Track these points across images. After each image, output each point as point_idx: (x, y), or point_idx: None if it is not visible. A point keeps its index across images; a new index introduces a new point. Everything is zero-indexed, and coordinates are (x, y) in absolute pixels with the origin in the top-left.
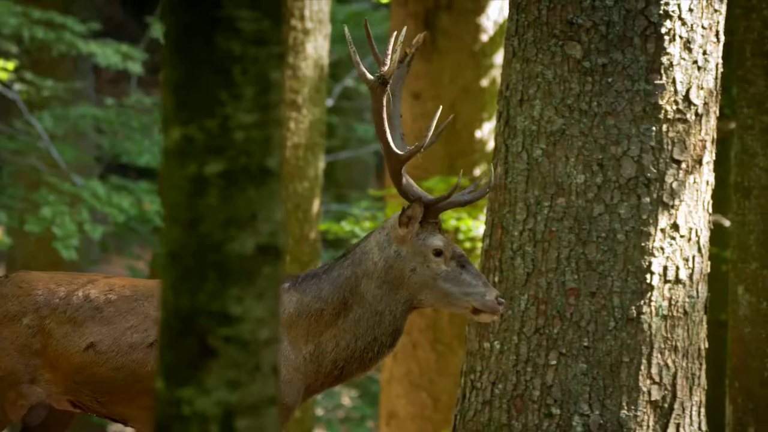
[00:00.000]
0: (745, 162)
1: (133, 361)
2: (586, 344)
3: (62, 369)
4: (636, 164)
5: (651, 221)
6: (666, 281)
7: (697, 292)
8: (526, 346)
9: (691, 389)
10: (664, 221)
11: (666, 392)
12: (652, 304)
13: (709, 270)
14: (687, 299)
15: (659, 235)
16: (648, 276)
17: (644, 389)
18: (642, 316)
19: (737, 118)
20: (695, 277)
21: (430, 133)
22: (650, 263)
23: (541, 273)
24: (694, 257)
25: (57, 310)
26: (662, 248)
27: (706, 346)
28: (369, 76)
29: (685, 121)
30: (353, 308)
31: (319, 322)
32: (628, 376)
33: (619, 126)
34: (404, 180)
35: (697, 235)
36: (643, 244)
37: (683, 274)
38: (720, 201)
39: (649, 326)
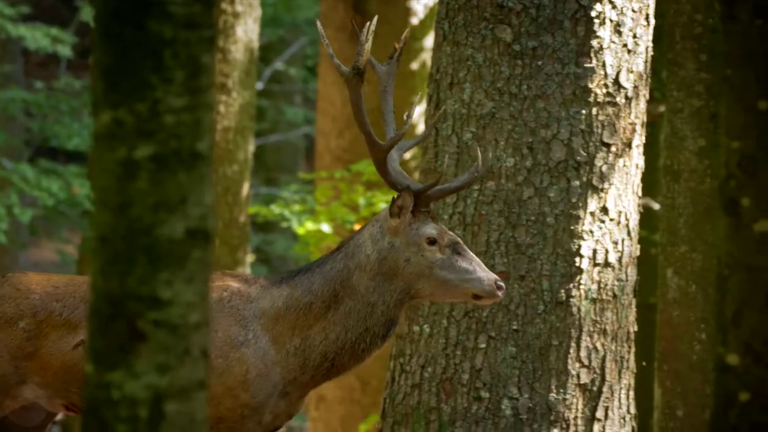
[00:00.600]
0: (674, 145)
1: None
2: (515, 328)
3: (53, 370)
4: (566, 147)
5: (580, 204)
6: (595, 264)
7: (626, 275)
8: (456, 330)
9: (620, 372)
10: (593, 204)
11: (595, 375)
12: (582, 287)
13: (638, 253)
14: (616, 282)
15: (589, 218)
16: (577, 259)
17: (573, 372)
18: (571, 300)
19: (667, 102)
20: (624, 260)
21: (407, 120)
22: (579, 246)
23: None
24: (623, 240)
25: (54, 314)
26: (591, 231)
27: (635, 329)
28: (344, 68)
29: (614, 104)
30: (344, 300)
31: (307, 315)
32: (557, 360)
33: (549, 109)
34: (390, 169)
35: (626, 218)
36: (572, 227)
37: (612, 258)
38: (649, 184)
39: (579, 309)
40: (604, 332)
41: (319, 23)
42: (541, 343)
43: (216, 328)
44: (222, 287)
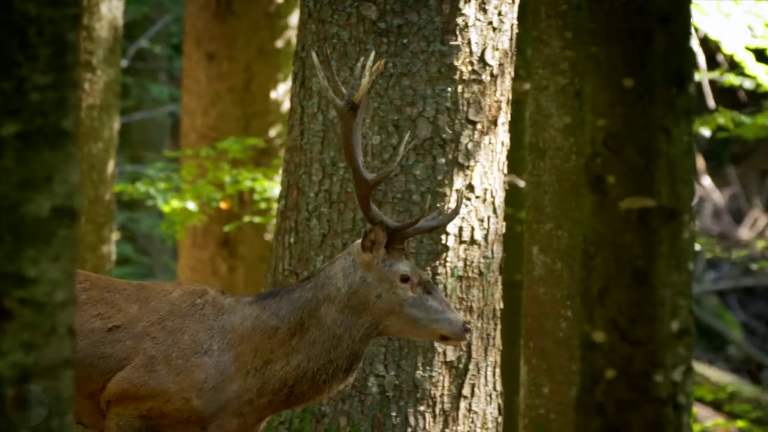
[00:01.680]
0: (539, 123)
1: (89, 344)
2: None
3: None
4: (431, 125)
5: (446, 182)
6: (461, 242)
7: (492, 252)
8: None
9: (486, 349)
10: (459, 182)
11: (461, 353)
12: (448, 264)
13: (504, 230)
14: (482, 260)
15: (454, 195)
16: (443, 237)
17: (439, 350)
18: (437, 277)
19: (532, 79)
20: (490, 237)
21: (399, 158)
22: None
23: (336, 234)
24: (489, 218)
25: None
26: (458, 210)
27: (501, 306)
28: (338, 102)
29: (480, 82)
30: (310, 330)
31: (272, 339)
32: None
33: (414, 87)
34: (372, 204)
35: (492, 195)
36: (438, 204)
37: (478, 235)
38: (515, 162)
39: (445, 287)
40: (471, 310)
41: (314, 54)
42: None
43: (183, 330)
44: (198, 293)
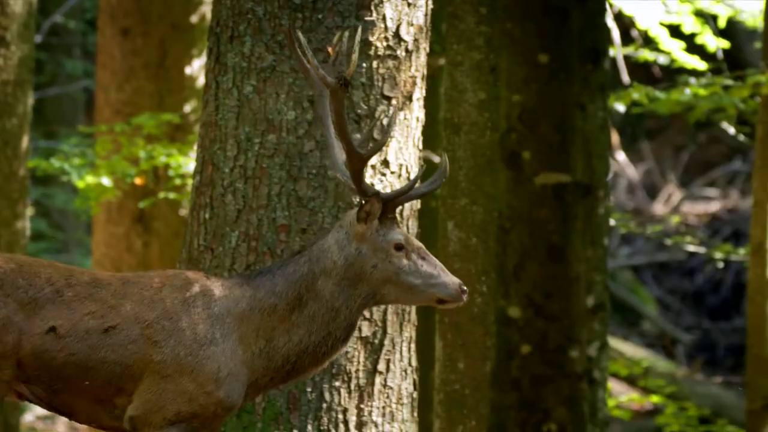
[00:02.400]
0: (454, 98)
1: (87, 346)
2: None
3: (24, 352)
4: (346, 100)
5: None
6: None
7: (408, 228)
8: None
9: (401, 325)
10: (374, 157)
11: (376, 328)
12: None
13: (419, 206)
14: None
15: (370, 171)
16: None
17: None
18: None
19: (447, 55)
20: (405, 213)
21: (389, 133)
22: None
23: (252, 209)
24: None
25: (20, 290)
26: (373, 185)
27: None
28: (329, 78)
29: (395, 57)
30: (308, 304)
31: (272, 317)
32: None
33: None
34: (364, 178)
35: (407, 171)
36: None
37: None
38: (430, 137)
39: None
40: None
41: (300, 34)
42: None
43: (183, 328)
44: (185, 286)
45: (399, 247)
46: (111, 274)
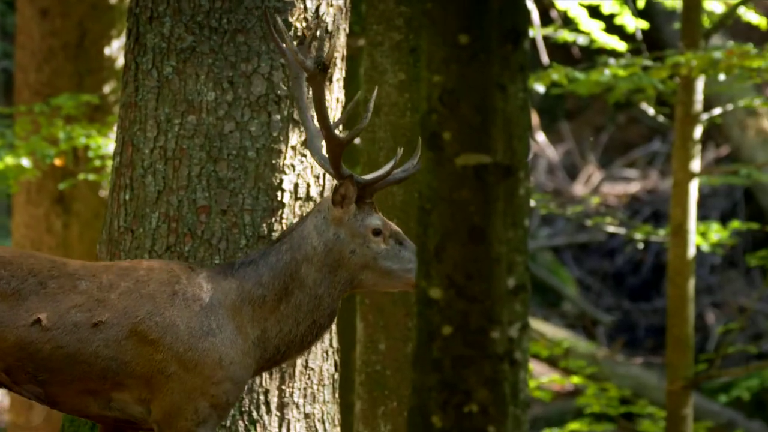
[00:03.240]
0: (374, 79)
1: (77, 340)
2: (217, 262)
3: (6, 344)
4: (266, 81)
5: (281, 139)
6: (297, 198)
7: None
8: None
9: None
10: (294, 138)
11: None
12: (283, 221)
13: None
14: None
15: (290, 152)
16: (279, 193)
17: None
18: (273, 234)
19: (367, 35)
20: (326, 194)
21: (369, 114)
22: (281, 181)
23: (172, 191)
24: (324, 175)
25: (2, 281)
26: (293, 166)
27: None
28: (308, 63)
29: (314, 38)
30: (294, 293)
31: (262, 308)
32: None
33: (249, 43)
34: (342, 162)
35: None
36: (273, 161)
37: (314, 192)
38: (350, 118)
39: None
40: None
41: (277, 17)
42: None
43: (176, 323)
44: (172, 280)
45: (377, 232)
46: (93, 264)
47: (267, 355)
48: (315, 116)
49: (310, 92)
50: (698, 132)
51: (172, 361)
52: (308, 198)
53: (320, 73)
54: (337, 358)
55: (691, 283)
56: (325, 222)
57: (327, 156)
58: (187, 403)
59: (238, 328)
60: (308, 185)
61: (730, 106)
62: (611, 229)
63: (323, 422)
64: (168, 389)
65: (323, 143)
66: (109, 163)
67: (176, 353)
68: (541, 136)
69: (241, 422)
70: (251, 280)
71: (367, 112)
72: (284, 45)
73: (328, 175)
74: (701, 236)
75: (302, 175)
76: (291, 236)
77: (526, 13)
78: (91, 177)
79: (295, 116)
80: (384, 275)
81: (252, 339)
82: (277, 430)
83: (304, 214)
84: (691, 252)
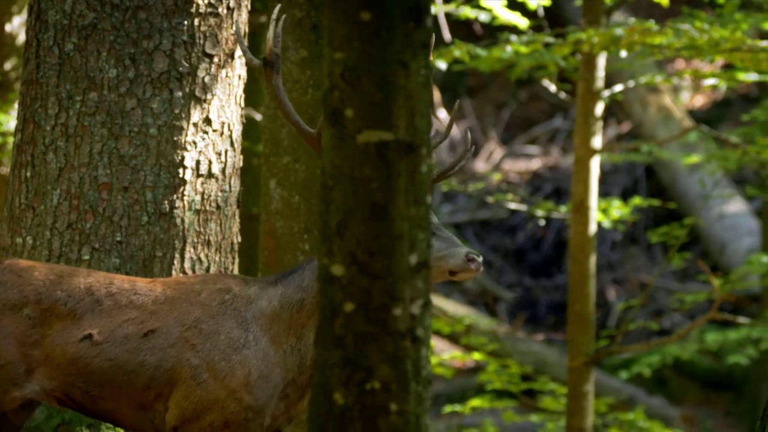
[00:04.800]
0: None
1: (126, 351)
2: (119, 239)
3: (57, 361)
4: (168, 58)
5: (183, 115)
6: (199, 175)
7: (230, 186)
8: (59, 241)
9: None
10: (196, 115)
11: None
12: (185, 198)
13: (241, 164)
14: (219, 193)
15: (192, 129)
16: (181, 170)
17: None
18: (175, 211)
19: (268, 12)
20: (228, 171)
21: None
22: (183, 158)
23: (73, 168)
24: (226, 151)
25: (59, 302)
26: (195, 143)
27: (239, 239)
28: (255, 61)
29: (216, 15)
30: None
31: (300, 313)
32: (161, 271)
33: (150, 20)
34: None
35: (229, 129)
36: (175, 138)
37: (216, 169)
38: (252, 95)
39: (182, 221)
40: (208, 243)
41: (239, 22)
42: (145, 254)
43: (219, 331)
44: (224, 290)
45: None
46: (152, 279)
47: (309, 362)
48: None
49: None
50: (600, 109)
51: (206, 368)
52: (210, 175)
53: (267, 69)
54: None
55: (593, 260)
56: None
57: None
58: (207, 414)
59: (272, 339)
60: (210, 162)
61: (631, 83)
62: (513, 205)
63: None
64: (195, 397)
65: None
66: (11, 140)
67: (210, 361)
68: (442, 113)
69: None
70: (294, 284)
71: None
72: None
73: (230, 153)
74: (602, 213)
75: (204, 152)
76: None
77: None
78: None
79: (197, 93)
80: None
81: (286, 347)
82: None
83: None
84: (593, 228)
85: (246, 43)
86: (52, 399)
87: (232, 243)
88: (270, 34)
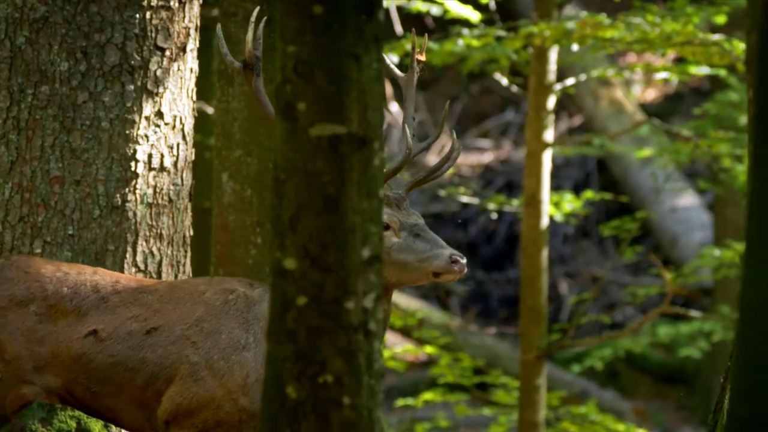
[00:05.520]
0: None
1: (129, 347)
2: (71, 233)
3: (61, 358)
4: (120, 52)
5: (135, 109)
6: (151, 169)
7: (182, 179)
8: (11, 235)
9: (176, 276)
10: (148, 109)
11: (151, 278)
12: (137, 191)
13: (193, 157)
14: (172, 187)
15: (144, 122)
16: (133, 164)
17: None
18: (127, 204)
19: (220, 6)
20: (180, 164)
21: (440, 130)
22: (135, 151)
23: (25, 161)
24: (178, 145)
25: (65, 299)
26: (147, 136)
27: (191, 233)
28: (236, 63)
29: (168, 8)
30: None
31: None
32: (113, 264)
33: (102, 13)
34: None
35: (181, 122)
36: (127, 131)
37: (168, 162)
38: (204, 88)
39: (134, 214)
40: (161, 237)
41: (218, 26)
42: (97, 248)
43: (220, 330)
44: (229, 290)
45: (385, 227)
46: (158, 280)
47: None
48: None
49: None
50: (551, 102)
51: (205, 366)
52: (162, 168)
53: (247, 71)
54: None
55: (545, 253)
56: None
57: None
58: (201, 411)
59: None
60: (162, 155)
61: (583, 77)
62: (465, 199)
63: None
64: (190, 393)
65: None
66: None
67: (210, 359)
68: (394, 107)
69: None
70: None
71: (449, 135)
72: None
73: (182, 146)
74: (554, 206)
75: (156, 145)
76: None
77: None
78: None
79: (149, 86)
80: (401, 268)
81: None
82: None
83: None
84: (545, 222)
85: (197, 37)
86: (54, 397)
87: (185, 236)
88: (249, 35)
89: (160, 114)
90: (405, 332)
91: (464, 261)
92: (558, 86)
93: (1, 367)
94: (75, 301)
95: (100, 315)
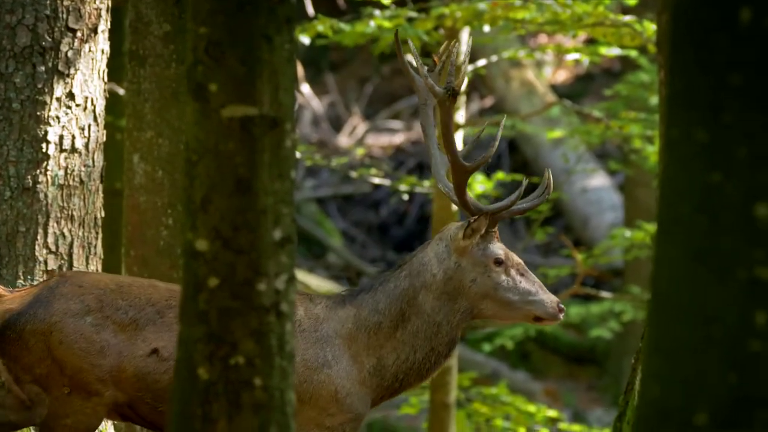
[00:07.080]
0: (140, 30)
1: None
2: None
3: (125, 375)
4: (31, 33)
5: (46, 90)
6: (62, 150)
7: (93, 161)
8: None
9: (87, 258)
10: (59, 90)
11: (62, 261)
12: (48, 173)
13: (104, 139)
14: (83, 168)
15: (55, 104)
16: (44, 145)
17: (41, 259)
18: (38, 186)
19: None
20: (91, 146)
21: (496, 143)
22: (46, 132)
23: None
24: (89, 126)
25: (120, 311)
26: (58, 117)
27: (102, 215)
28: (437, 88)
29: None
30: (411, 320)
31: (378, 335)
32: (24, 246)
33: None
34: (467, 191)
35: (92, 104)
36: (38, 113)
37: (79, 143)
38: (115, 69)
39: (46, 196)
40: (72, 218)
41: (410, 42)
42: (8, 229)
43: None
44: None
45: (498, 262)
46: None
47: (385, 383)
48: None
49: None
50: (463, 83)
51: None
52: (73, 150)
53: (449, 99)
54: None
55: None
56: (447, 250)
57: (452, 184)
58: (301, 430)
59: (353, 358)
60: (73, 137)
61: (494, 58)
62: (376, 180)
63: None
64: None
65: (446, 170)
66: None
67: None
68: (306, 88)
69: None
70: (368, 307)
71: (494, 142)
72: (415, 71)
73: (93, 127)
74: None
75: (67, 126)
76: (411, 263)
77: None
78: None
79: (60, 68)
80: (504, 306)
81: (368, 368)
82: None
83: (426, 243)
84: None
85: (108, 18)
86: (114, 414)
87: (96, 218)
88: (464, 67)
89: (71, 95)
90: None
91: (564, 308)
92: (469, 67)
93: (65, 381)
94: (131, 314)
95: (159, 332)
